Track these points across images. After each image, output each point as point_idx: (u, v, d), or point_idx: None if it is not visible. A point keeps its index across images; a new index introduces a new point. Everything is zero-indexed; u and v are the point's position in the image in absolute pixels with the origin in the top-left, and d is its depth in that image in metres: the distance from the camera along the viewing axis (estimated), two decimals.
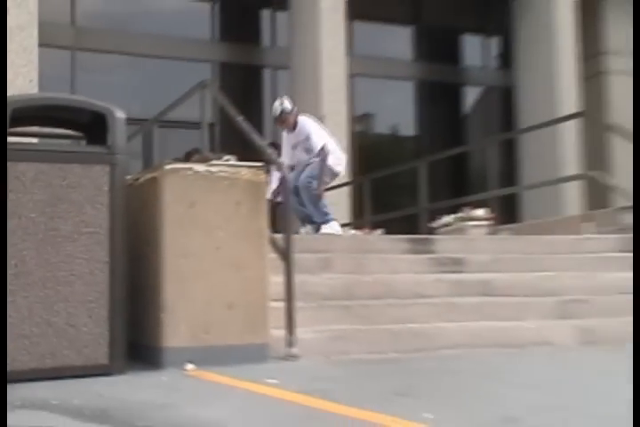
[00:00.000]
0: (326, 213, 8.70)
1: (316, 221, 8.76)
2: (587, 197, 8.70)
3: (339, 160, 8.99)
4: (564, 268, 6.95)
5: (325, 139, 8.86)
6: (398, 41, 15.78)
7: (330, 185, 11.91)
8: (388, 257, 6.78)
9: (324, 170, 8.71)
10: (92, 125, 4.84)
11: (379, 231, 10.87)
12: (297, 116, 8.90)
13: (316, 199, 8.70)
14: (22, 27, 10.45)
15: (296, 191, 8.66)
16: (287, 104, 8.84)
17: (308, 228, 8.99)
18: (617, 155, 12.97)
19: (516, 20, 15.14)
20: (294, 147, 8.90)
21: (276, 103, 8.94)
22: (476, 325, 5.91)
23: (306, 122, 8.92)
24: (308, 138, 8.71)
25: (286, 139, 9.07)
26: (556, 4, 14.38)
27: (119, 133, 4.73)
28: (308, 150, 8.73)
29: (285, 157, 8.84)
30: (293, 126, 8.85)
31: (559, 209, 12.40)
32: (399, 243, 7.15)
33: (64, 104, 5.00)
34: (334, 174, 9.05)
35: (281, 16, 14.13)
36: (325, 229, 8.56)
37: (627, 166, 12.19)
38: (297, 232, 8.15)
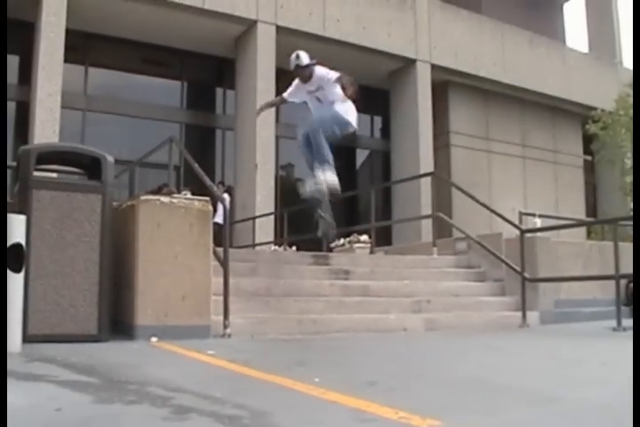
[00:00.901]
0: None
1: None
2: (435, 229, 8.87)
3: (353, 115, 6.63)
4: (418, 278, 7.08)
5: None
6: None
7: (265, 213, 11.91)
8: (298, 267, 6.81)
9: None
10: (91, 166, 4.84)
11: (293, 248, 10.89)
12: (312, 70, 6.40)
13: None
14: (51, 94, 10.39)
15: (307, 141, 6.52)
16: (303, 59, 6.40)
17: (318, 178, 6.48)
18: (456, 202, 13.30)
19: (393, 105, 15.46)
20: (308, 93, 6.55)
21: (292, 57, 6.47)
22: (358, 316, 5.97)
23: (320, 73, 6.37)
24: (320, 88, 6.40)
25: (298, 84, 6.65)
26: (419, 96, 14.74)
27: (109, 172, 4.78)
28: (321, 100, 6.48)
29: (291, 97, 6.81)
30: (309, 77, 6.42)
31: (418, 237, 12.64)
32: (306, 257, 7.19)
33: (72, 150, 5.07)
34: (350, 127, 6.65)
35: (230, 93, 14.15)
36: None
37: (462, 210, 12.53)
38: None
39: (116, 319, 4.82)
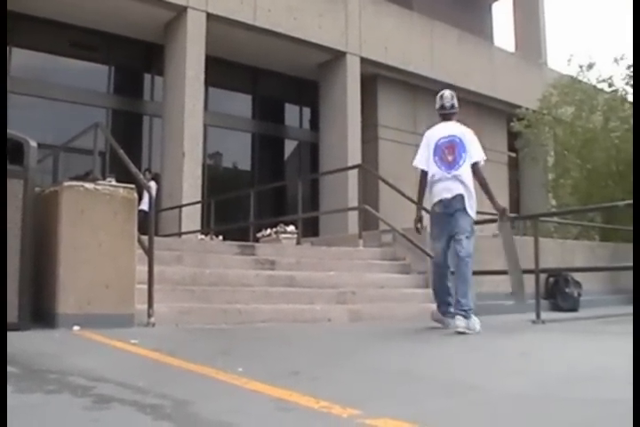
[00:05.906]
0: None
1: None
2: (362, 221, 8.97)
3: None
4: (344, 269, 7.19)
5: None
6: (241, 104, 15.83)
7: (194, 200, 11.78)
8: (224, 257, 6.80)
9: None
10: (13, 150, 4.67)
11: (219, 238, 10.83)
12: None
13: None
14: None
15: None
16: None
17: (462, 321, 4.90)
18: (382, 195, 13.48)
19: (322, 97, 15.51)
20: None
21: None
22: (283, 306, 6.01)
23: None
24: None
25: None
26: (348, 89, 14.85)
27: (32, 157, 4.66)
28: None
29: None
30: None
31: (345, 229, 12.75)
32: (232, 247, 7.18)
33: None
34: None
35: (158, 79, 13.91)
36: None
37: (388, 203, 12.71)
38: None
39: (38, 307, 4.70)
